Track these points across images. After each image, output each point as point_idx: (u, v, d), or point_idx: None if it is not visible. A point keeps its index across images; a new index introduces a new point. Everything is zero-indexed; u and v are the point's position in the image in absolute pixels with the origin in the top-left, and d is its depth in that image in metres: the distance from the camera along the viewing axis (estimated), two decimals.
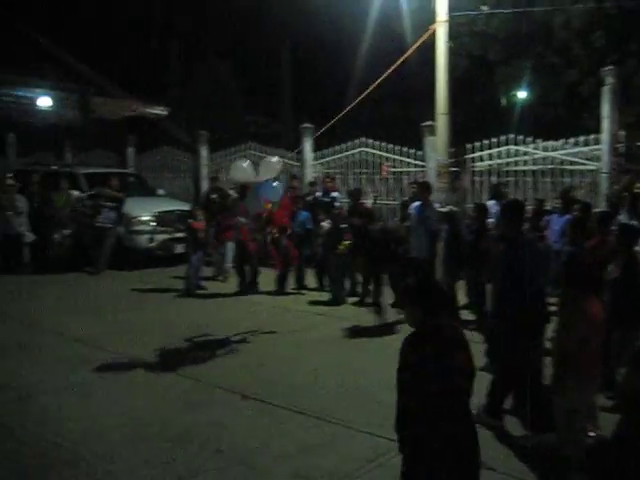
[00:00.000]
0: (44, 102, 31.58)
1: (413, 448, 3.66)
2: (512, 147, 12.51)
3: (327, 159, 14.63)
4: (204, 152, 16.75)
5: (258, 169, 9.46)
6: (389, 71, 11.80)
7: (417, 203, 9.93)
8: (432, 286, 3.86)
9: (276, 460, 4.96)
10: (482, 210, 9.32)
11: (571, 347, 4.55)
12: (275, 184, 9.49)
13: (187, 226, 11.97)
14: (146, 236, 13.57)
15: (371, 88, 12.09)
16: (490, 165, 12.85)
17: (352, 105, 12.27)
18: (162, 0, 26.84)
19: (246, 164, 9.62)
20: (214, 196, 13.11)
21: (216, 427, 5.56)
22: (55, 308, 10.19)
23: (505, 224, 6.06)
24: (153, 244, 13.53)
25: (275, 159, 9.81)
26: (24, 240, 13.31)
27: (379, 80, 11.98)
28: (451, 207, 9.77)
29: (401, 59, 11.88)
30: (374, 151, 13.90)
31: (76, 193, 13.77)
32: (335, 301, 10.32)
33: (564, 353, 4.61)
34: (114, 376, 6.95)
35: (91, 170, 15.64)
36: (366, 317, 9.57)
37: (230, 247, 12.18)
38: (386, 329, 8.62)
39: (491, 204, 10.24)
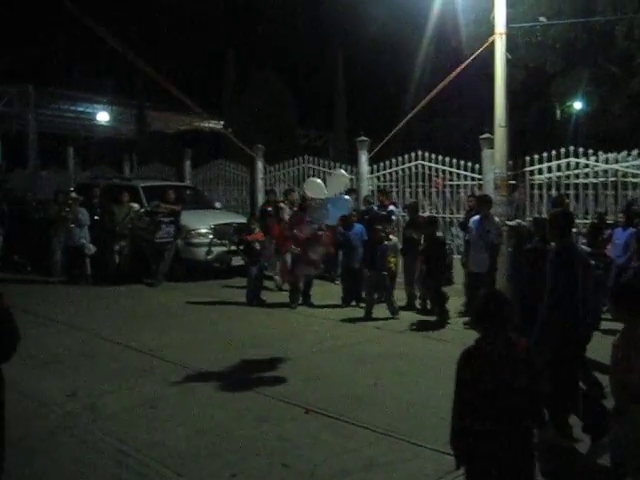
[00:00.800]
0: (102, 117, 32.39)
1: (467, 466, 3.61)
2: (572, 159, 12.29)
3: (383, 172, 14.59)
4: (260, 165, 16.93)
5: (326, 183, 9.64)
6: (446, 80, 11.75)
7: (476, 217, 9.87)
8: (492, 302, 3.71)
9: (342, 475, 4.95)
10: (542, 224, 9.18)
11: (632, 378, 4.36)
12: (347, 198, 9.69)
13: (241, 238, 12.08)
14: (204, 248, 13.73)
15: (428, 98, 12.06)
16: (549, 178, 12.65)
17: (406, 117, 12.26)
18: (216, 14, 27.26)
19: (319, 180, 9.80)
20: (270, 209, 13.23)
21: (281, 441, 5.58)
22: (117, 319, 10.41)
23: (549, 235, 6.06)
24: (210, 256, 13.69)
25: (343, 172, 9.93)
26: (86, 252, 13.65)
27: (437, 89, 11.92)
28: (519, 221, 9.65)
29: (458, 69, 11.82)
30: (430, 164, 13.82)
31: (136, 206, 14.05)
32: (366, 315, 10.38)
33: (624, 384, 4.41)
34: (178, 387, 7.02)
35: (149, 183, 15.96)
36: (424, 330, 9.56)
37: (288, 259, 12.27)
38: (446, 343, 8.57)
39: None
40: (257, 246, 11.59)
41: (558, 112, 24.48)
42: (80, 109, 31.81)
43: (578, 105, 23.23)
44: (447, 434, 5.30)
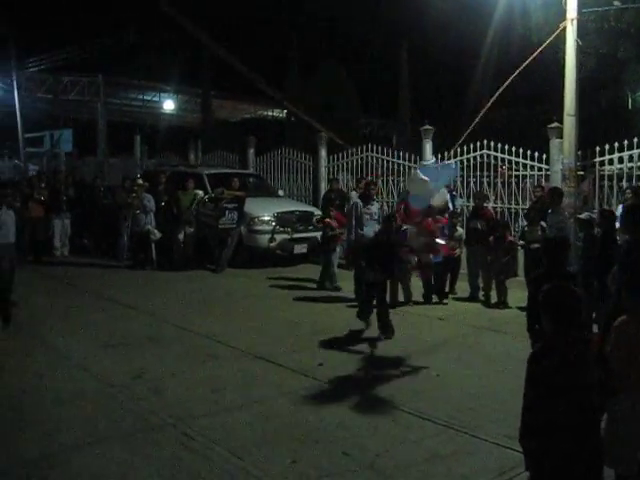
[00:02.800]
0: (168, 106, 33.05)
1: (536, 464, 3.53)
2: None
3: (447, 162, 14.37)
4: (323, 153, 16.94)
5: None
6: (518, 70, 11.46)
7: (550, 210, 9.75)
8: (563, 297, 3.64)
9: (404, 466, 4.91)
10: (607, 216, 8.91)
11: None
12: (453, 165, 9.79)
13: (322, 225, 12.10)
14: (267, 236, 13.83)
15: (501, 89, 11.80)
16: (620, 168, 12.25)
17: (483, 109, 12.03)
18: (281, 3, 27.36)
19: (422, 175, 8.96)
20: (333, 197, 13.24)
21: (340, 429, 5.58)
22: (181, 304, 10.59)
23: (624, 228, 6.00)
24: (273, 244, 13.78)
25: (420, 176, 8.96)
26: (151, 237, 13.93)
27: (508, 80, 11.66)
28: (589, 214, 9.36)
29: (531, 57, 11.50)
30: (496, 154, 13.55)
31: (201, 193, 14.25)
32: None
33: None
34: (241, 373, 7.10)
35: (214, 170, 16.18)
36: (486, 322, 9.42)
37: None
38: (509, 336, 8.43)
39: None
40: (335, 233, 11.62)
41: (630, 101, 23.66)
42: (147, 98, 32.58)
43: None
44: (510, 428, 5.29)
